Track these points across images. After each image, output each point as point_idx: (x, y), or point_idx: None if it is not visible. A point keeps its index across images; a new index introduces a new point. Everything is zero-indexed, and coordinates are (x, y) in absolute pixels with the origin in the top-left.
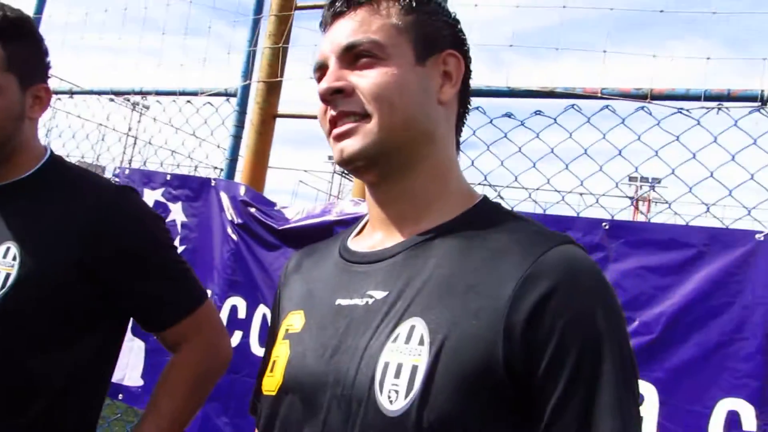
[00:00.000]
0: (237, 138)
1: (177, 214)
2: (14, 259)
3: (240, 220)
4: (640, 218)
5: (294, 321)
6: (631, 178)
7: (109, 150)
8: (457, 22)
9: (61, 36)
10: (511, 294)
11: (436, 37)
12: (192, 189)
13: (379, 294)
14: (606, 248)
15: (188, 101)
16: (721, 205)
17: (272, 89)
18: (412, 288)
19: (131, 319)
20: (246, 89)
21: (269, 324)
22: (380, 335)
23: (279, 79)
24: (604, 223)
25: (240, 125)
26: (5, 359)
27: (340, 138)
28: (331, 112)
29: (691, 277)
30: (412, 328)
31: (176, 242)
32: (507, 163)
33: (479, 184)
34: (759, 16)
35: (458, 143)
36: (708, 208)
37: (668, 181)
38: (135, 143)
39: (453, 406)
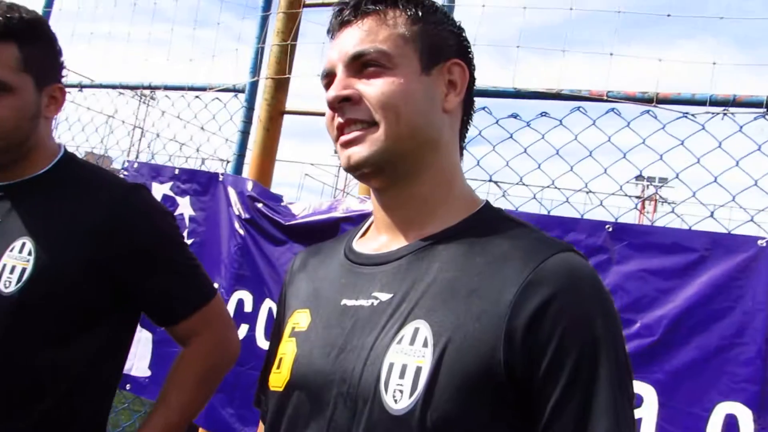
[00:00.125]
0: (245, 134)
1: (185, 208)
2: (30, 254)
3: (247, 215)
4: (646, 218)
5: (300, 319)
6: (637, 178)
7: (118, 143)
8: (462, 30)
9: (71, 27)
10: (512, 299)
11: (441, 46)
12: (200, 183)
13: (384, 296)
14: (609, 250)
15: (197, 96)
16: (729, 207)
17: (280, 86)
18: (417, 291)
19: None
20: (254, 86)
21: (275, 322)
22: (385, 336)
23: (287, 76)
24: (607, 226)
25: (248, 121)
26: (21, 352)
27: (347, 145)
28: (339, 120)
29: (693, 281)
30: (416, 330)
31: (184, 236)
32: (512, 163)
33: (486, 181)
34: None
35: (462, 149)
36: (711, 213)
37: (675, 182)
38: (142, 134)
39: (455, 406)
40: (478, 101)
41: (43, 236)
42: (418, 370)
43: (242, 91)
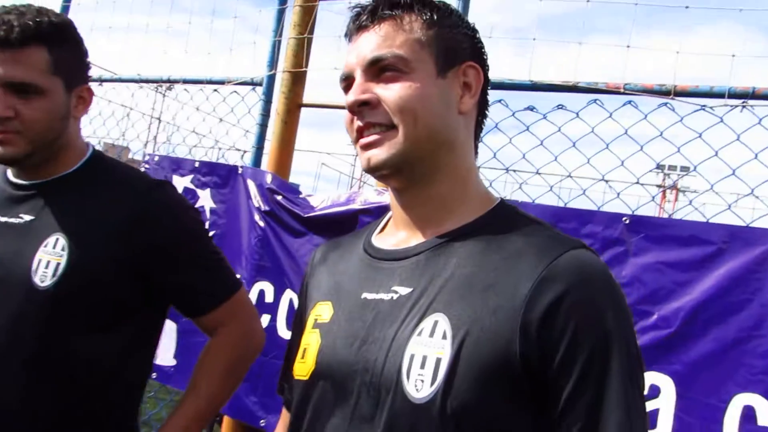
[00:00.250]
0: (263, 126)
1: (205, 200)
2: (63, 249)
3: (267, 207)
4: (667, 207)
5: (322, 311)
6: (658, 167)
7: (138, 136)
8: (476, 32)
9: (90, 20)
10: (527, 294)
11: (456, 49)
12: (220, 176)
13: (403, 290)
14: (626, 242)
15: (215, 90)
16: (750, 198)
17: (297, 79)
18: (435, 286)
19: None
20: (271, 79)
21: (296, 312)
22: (406, 329)
23: (304, 69)
24: (624, 218)
25: (266, 114)
26: (57, 343)
27: (367, 148)
28: (358, 123)
29: (711, 273)
30: (436, 323)
31: (208, 230)
32: (529, 155)
33: (504, 170)
34: None
35: (476, 148)
36: (729, 206)
37: (701, 167)
38: (159, 124)
39: (474, 395)
40: (495, 93)
41: (74, 232)
42: (438, 361)
43: (260, 84)
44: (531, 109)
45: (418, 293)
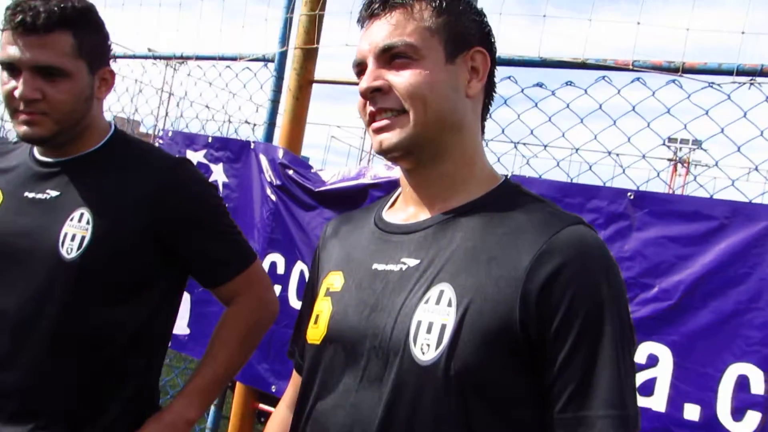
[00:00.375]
0: (275, 102)
1: (218, 174)
2: (88, 223)
3: (278, 182)
4: (679, 180)
5: (334, 281)
6: (670, 140)
7: (152, 112)
8: (484, 17)
9: None
10: (527, 266)
11: (464, 35)
12: (232, 151)
13: (412, 261)
14: (630, 217)
15: (228, 66)
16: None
17: (309, 55)
18: (441, 257)
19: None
20: (283, 55)
21: (308, 282)
22: (413, 297)
23: (315, 45)
24: (629, 193)
25: (278, 90)
26: (83, 311)
27: (379, 131)
28: (371, 108)
29: (712, 248)
30: (441, 292)
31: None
32: (538, 131)
33: (513, 143)
34: None
35: (483, 129)
36: (732, 183)
37: (707, 144)
38: (169, 99)
39: (476, 358)
40: (505, 70)
41: (98, 207)
42: (443, 327)
43: (272, 61)
44: (540, 85)
45: (425, 264)
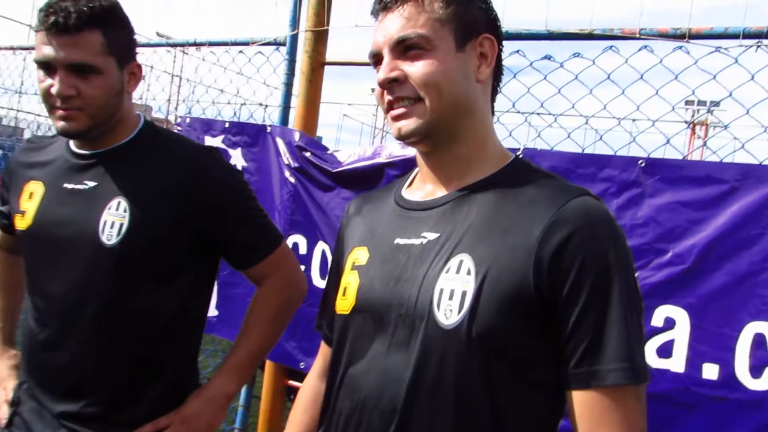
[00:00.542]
0: (288, 85)
1: (237, 159)
2: (125, 211)
3: (296, 164)
4: (698, 144)
5: (359, 255)
6: (687, 102)
7: (170, 98)
8: (489, 3)
9: None
10: (539, 235)
11: (472, 24)
12: (249, 135)
13: (432, 235)
14: (642, 185)
15: (240, 51)
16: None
17: (319, 38)
18: (459, 230)
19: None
20: (294, 38)
21: (332, 258)
22: (435, 268)
23: (325, 27)
24: (640, 161)
25: (291, 73)
26: (123, 296)
27: (397, 119)
28: (388, 97)
29: (724, 210)
30: (461, 262)
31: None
32: (548, 103)
33: (528, 113)
34: None
35: (493, 110)
36: (743, 145)
37: (726, 104)
38: (180, 84)
39: (494, 321)
40: (513, 44)
41: (133, 195)
42: (464, 293)
43: (283, 44)
44: (548, 58)
45: (444, 237)
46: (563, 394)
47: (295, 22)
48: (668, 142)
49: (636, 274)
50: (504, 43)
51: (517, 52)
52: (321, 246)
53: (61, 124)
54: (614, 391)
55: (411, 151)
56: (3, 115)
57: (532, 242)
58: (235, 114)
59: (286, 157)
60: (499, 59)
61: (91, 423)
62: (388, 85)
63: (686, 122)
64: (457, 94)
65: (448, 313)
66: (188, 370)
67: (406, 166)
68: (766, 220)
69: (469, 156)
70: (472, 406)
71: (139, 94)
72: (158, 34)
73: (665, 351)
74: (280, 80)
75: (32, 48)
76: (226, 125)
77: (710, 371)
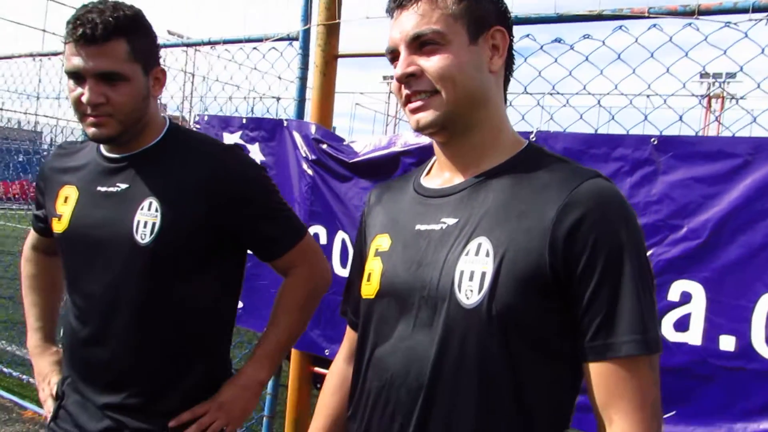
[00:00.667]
0: (302, 79)
1: (255, 154)
2: (156, 211)
3: (314, 156)
4: (712, 118)
5: (382, 242)
6: (702, 75)
7: (188, 97)
8: None
9: None
10: (553, 217)
11: (484, 17)
12: (266, 130)
13: (451, 221)
14: (655, 162)
15: (254, 48)
16: None
17: (332, 31)
18: (477, 215)
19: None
20: (307, 33)
21: (355, 246)
22: (455, 251)
23: (337, 21)
24: (652, 139)
25: (304, 67)
26: (158, 291)
27: (415, 111)
28: (406, 91)
29: (737, 185)
30: (479, 245)
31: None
32: (559, 85)
33: (542, 93)
34: None
35: (505, 98)
36: (755, 119)
37: (741, 76)
38: (193, 81)
39: (513, 300)
40: (523, 29)
41: (163, 195)
42: (483, 274)
43: (296, 39)
44: (558, 41)
45: (463, 222)
46: (580, 368)
47: (307, 17)
48: (681, 118)
49: (648, 252)
50: (514, 27)
51: (528, 35)
52: (341, 235)
53: (93, 130)
54: (628, 362)
55: (425, 139)
56: (23, 119)
57: (546, 224)
58: (251, 110)
59: (303, 150)
60: (510, 50)
61: (133, 413)
62: (405, 79)
63: (700, 96)
64: (472, 85)
65: (469, 294)
66: (221, 361)
67: (421, 154)
68: None
69: (484, 144)
70: (493, 381)
71: None
72: (170, 32)
73: (682, 325)
74: (295, 74)
75: (49, 54)
76: (244, 121)
77: (727, 343)
